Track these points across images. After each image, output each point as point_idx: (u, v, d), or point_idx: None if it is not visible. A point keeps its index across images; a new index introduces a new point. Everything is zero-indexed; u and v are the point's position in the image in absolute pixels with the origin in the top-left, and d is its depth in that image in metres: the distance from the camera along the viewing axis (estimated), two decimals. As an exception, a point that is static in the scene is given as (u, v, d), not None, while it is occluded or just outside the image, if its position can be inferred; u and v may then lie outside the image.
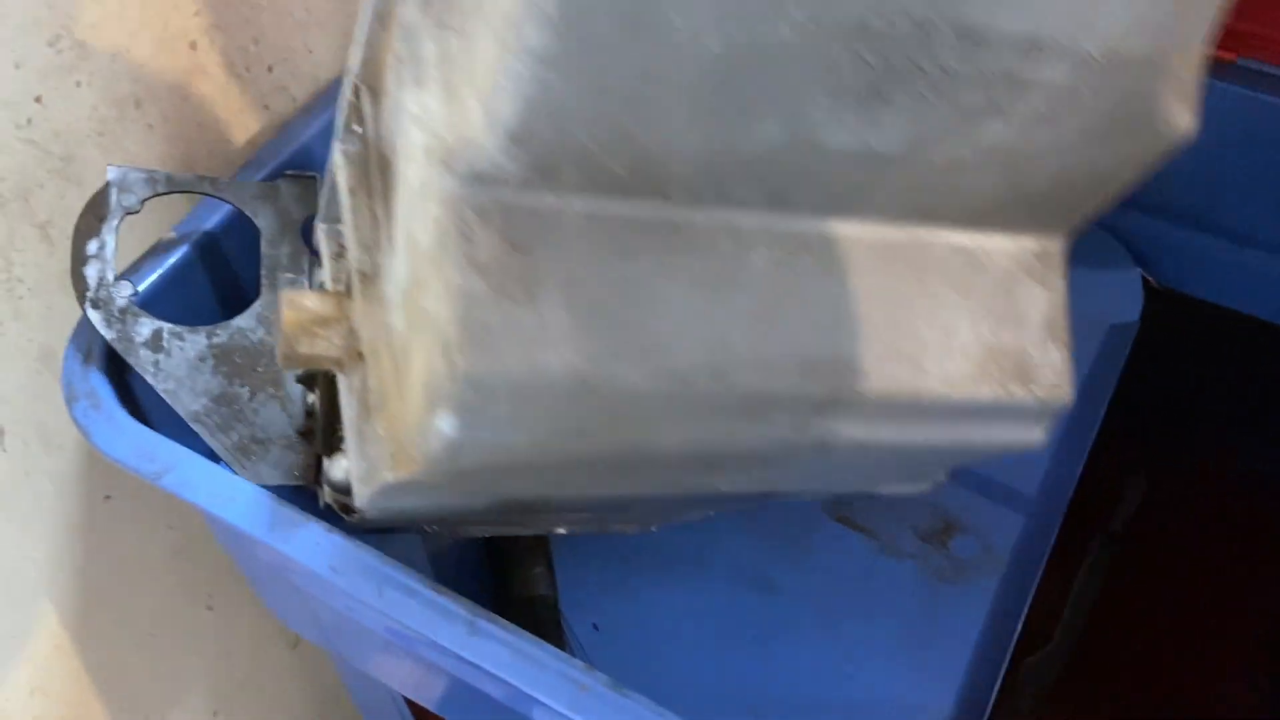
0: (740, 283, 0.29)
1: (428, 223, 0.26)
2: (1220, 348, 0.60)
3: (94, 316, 0.43)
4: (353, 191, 0.33)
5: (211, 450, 0.43)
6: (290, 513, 0.39)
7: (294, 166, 0.51)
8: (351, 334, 0.34)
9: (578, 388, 0.27)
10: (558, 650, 0.35)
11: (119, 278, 0.45)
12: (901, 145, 0.28)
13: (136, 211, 0.45)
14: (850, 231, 0.31)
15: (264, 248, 0.48)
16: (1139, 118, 0.29)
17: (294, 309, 0.33)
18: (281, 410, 0.46)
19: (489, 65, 0.24)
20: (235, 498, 0.39)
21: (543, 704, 0.34)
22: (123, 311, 0.44)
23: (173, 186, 0.46)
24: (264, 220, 0.49)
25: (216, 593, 0.64)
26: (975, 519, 0.61)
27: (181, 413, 0.43)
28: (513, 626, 0.35)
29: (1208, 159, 0.57)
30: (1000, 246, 0.33)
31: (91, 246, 0.44)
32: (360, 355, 0.34)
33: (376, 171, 0.32)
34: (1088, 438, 0.59)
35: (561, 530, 0.52)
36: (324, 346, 0.34)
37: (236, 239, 0.50)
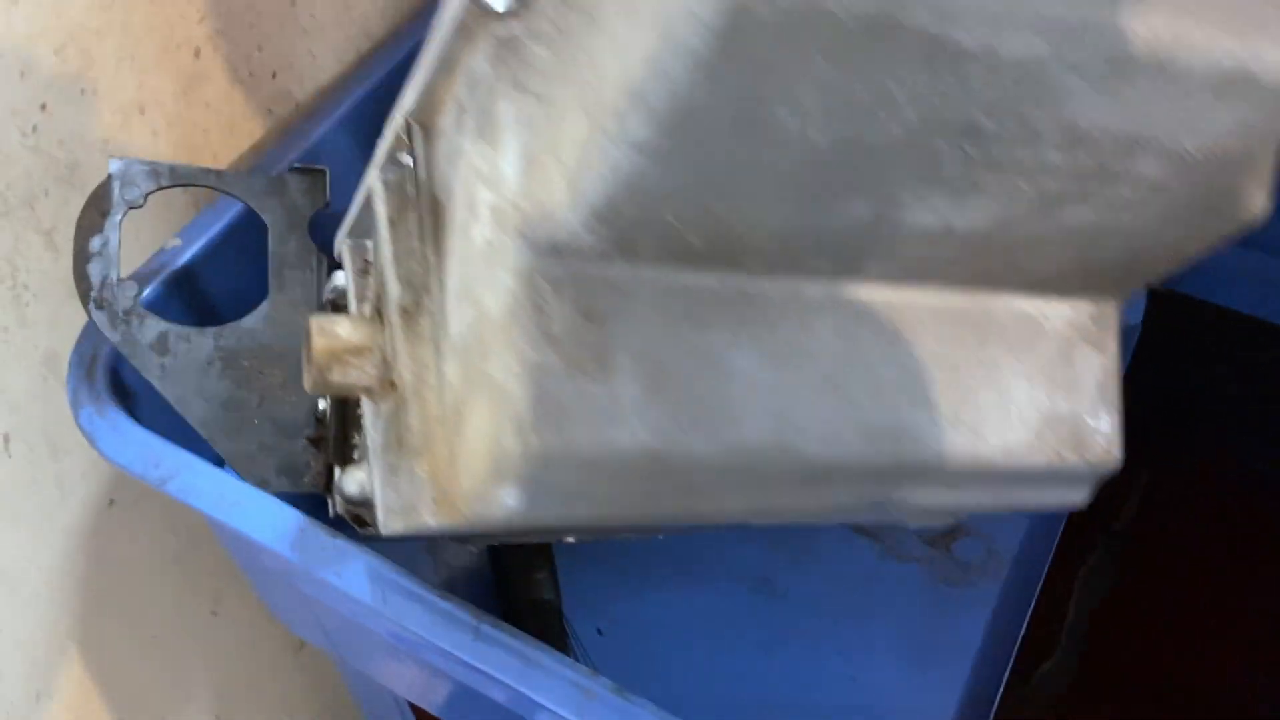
0: (808, 351, 0.29)
1: (498, 291, 0.26)
2: (1221, 348, 0.60)
3: (98, 318, 0.42)
4: (393, 223, 0.31)
5: (218, 455, 0.43)
6: (295, 518, 0.39)
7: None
8: (385, 364, 0.33)
9: (647, 462, 0.27)
10: (562, 655, 0.35)
11: (124, 278, 0.43)
12: (984, 226, 0.28)
13: (140, 206, 0.44)
14: (917, 298, 0.31)
15: (271, 244, 0.47)
16: (1220, 204, 0.30)
17: (325, 336, 0.33)
18: (291, 416, 0.45)
19: (579, 144, 0.23)
20: (240, 504, 0.39)
21: (547, 709, 0.34)
22: (128, 313, 0.43)
23: (177, 179, 0.45)
24: (271, 215, 0.47)
25: (220, 597, 0.64)
26: (978, 522, 0.61)
27: (188, 418, 0.43)
28: (517, 631, 0.36)
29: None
30: (1059, 311, 0.33)
31: (94, 243, 0.42)
32: (392, 384, 0.33)
33: (427, 212, 0.31)
34: (1090, 440, 0.59)
35: (570, 539, 0.53)
36: (356, 375, 0.33)
37: (243, 236, 0.49)
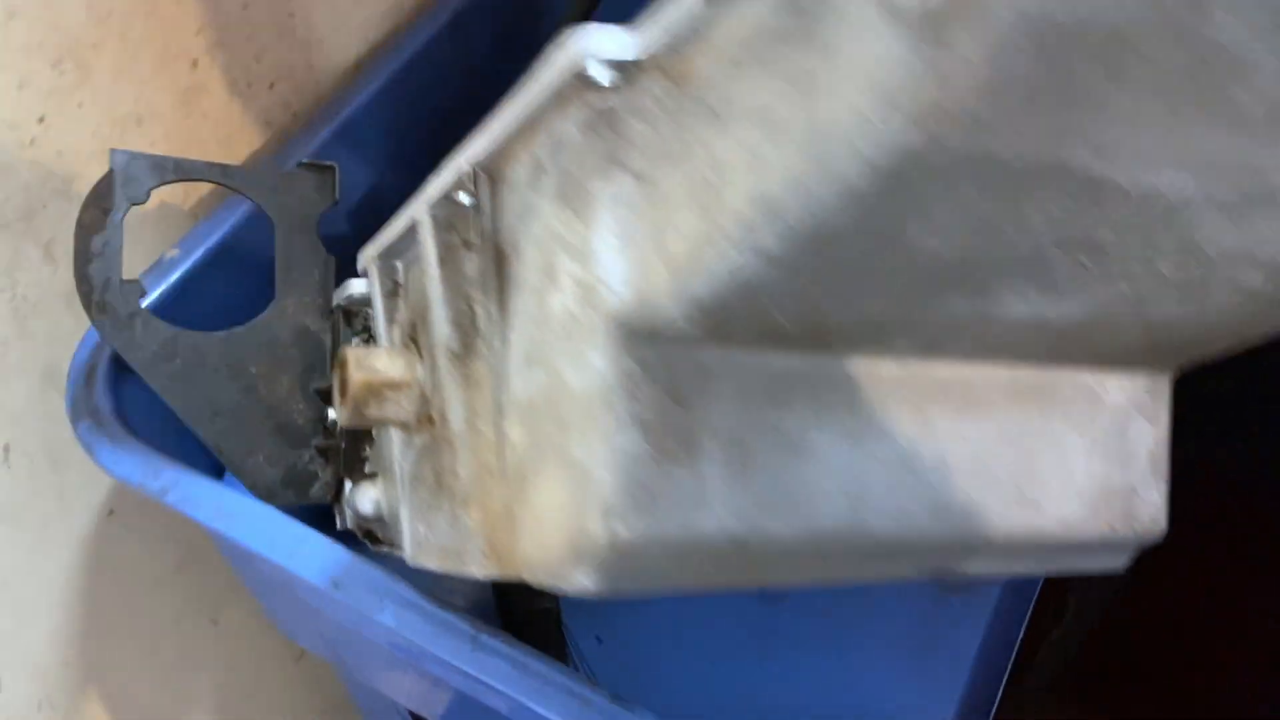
0: (884, 430, 0.29)
1: (584, 370, 0.25)
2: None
3: (99, 322, 0.41)
4: (443, 261, 0.31)
5: (219, 465, 0.43)
6: (294, 528, 0.39)
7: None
8: (423, 398, 0.33)
9: (727, 546, 0.27)
10: (560, 664, 0.35)
11: (128, 280, 0.41)
12: (1076, 318, 0.28)
13: (143, 202, 0.42)
14: (990, 374, 0.31)
15: (278, 244, 0.45)
16: None
17: (363, 370, 0.32)
18: (298, 424, 0.43)
19: (691, 240, 0.23)
20: (238, 514, 0.39)
21: (545, 718, 0.34)
22: (131, 316, 0.41)
23: (182, 174, 0.43)
24: (278, 213, 0.45)
25: (221, 606, 0.64)
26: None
27: (193, 428, 0.42)
28: (515, 641, 0.36)
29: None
30: (1118, 384, 0.34)
31: (96, 243, 0.40)
32: (430, 420, 0.33)
33: (490, 263, 0.29)
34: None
35: None
36: (393, 410, 0.32)
37: (243, 245, 0.49)
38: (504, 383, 0.29)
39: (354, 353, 0.32)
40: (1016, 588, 0.59)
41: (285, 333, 0.44)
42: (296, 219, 0.45)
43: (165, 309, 0.46)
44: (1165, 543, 0.37)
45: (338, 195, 0.46)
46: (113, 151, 0.41)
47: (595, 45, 0.24)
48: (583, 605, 0.57)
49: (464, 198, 0.29)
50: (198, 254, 0.49)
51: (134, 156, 0.41)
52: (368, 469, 0.42)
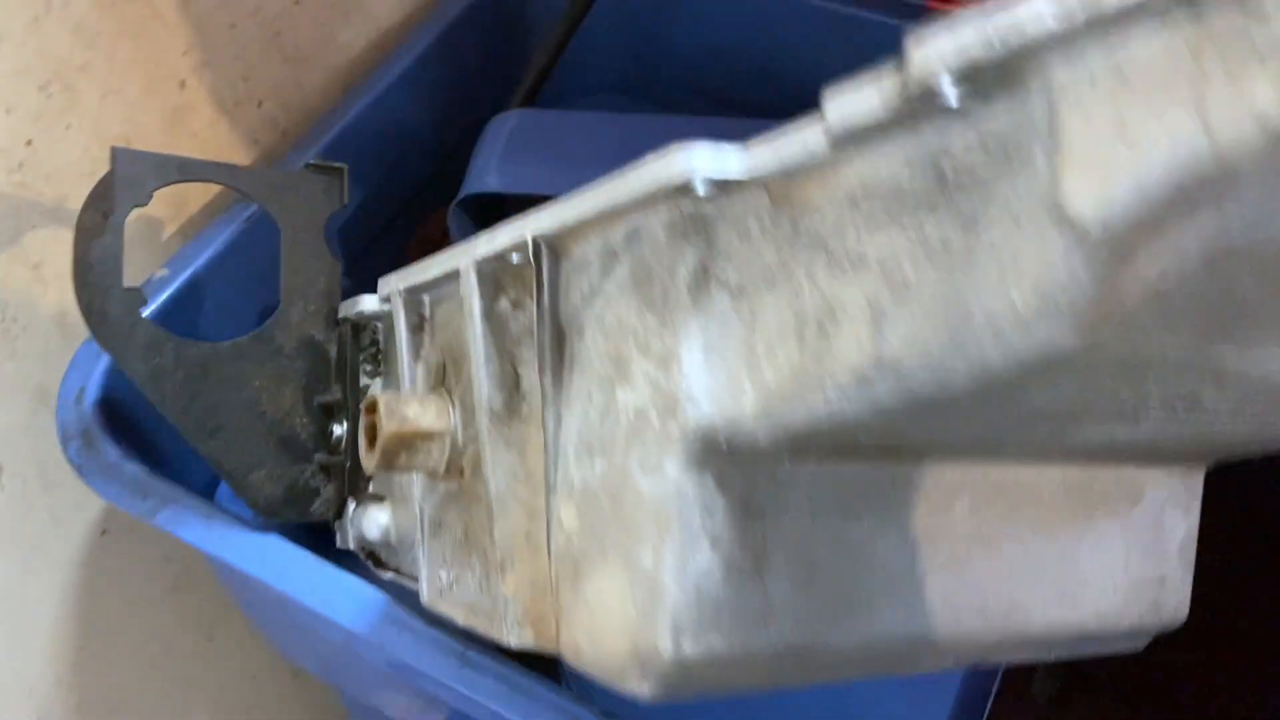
0: (941, 533, 0.29)
1: (659, 478, 0.25)
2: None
3: (99, 332, 0.39)
4: (486, 316, 0.30)
5: (213, 478, 0.43)
6: (284, 548, 0.39)
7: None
8: (454, 448, 0.32)
9: (787, 655, 0.26)
10: (550, 681, 0.35)
11: (129, 287, 0.39)
12: (1147, 439, 0.28)
13: (145, 204, 0.39)
14: (1044, 475, 0.31)
15: (284, 250, 0.42)
16: None
17: (395, 420, 0.31)
18: (300, 439, 0.42)
19: (793, 374, 0.22)
20: (227, 535, 0.39)
21: (537, 734, 0.34)
22: (132, 326, 0.39)
23: (185, 174, 0.40)
24: (284, 217, 0.42)
25: (217, 623, 0.64)
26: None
27: (193, 444, 0.40)
28: (504, 659, 0.36)
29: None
30: (1157, 478, 0.34)
31: (96, 249, 0.38)
32: (460, 471, 0.32)
33: (547, 337, 0.28)
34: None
35: None
36: (423, 460, 0.32)
37: (238, 260, 0.49)
38: (555, 460, 0.28)
39: (385, 399, 0.31)
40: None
41: (290, 343, 0.42)
42: (303, 223, 0.43)
43: (167, 318, 0.45)
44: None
45: (347, 198, 0.44)
46: (114, 150, 0.39)
47: (700, 165, 0.23)
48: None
49: (517, 258, 0.28)
50: (200, 260, 0.48)
51: (136, 155, 0.39)
52: (373, 489, 0.42)
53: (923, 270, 0.20)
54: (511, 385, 0.30)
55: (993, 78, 0.18)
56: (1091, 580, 0.32)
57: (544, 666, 0.52)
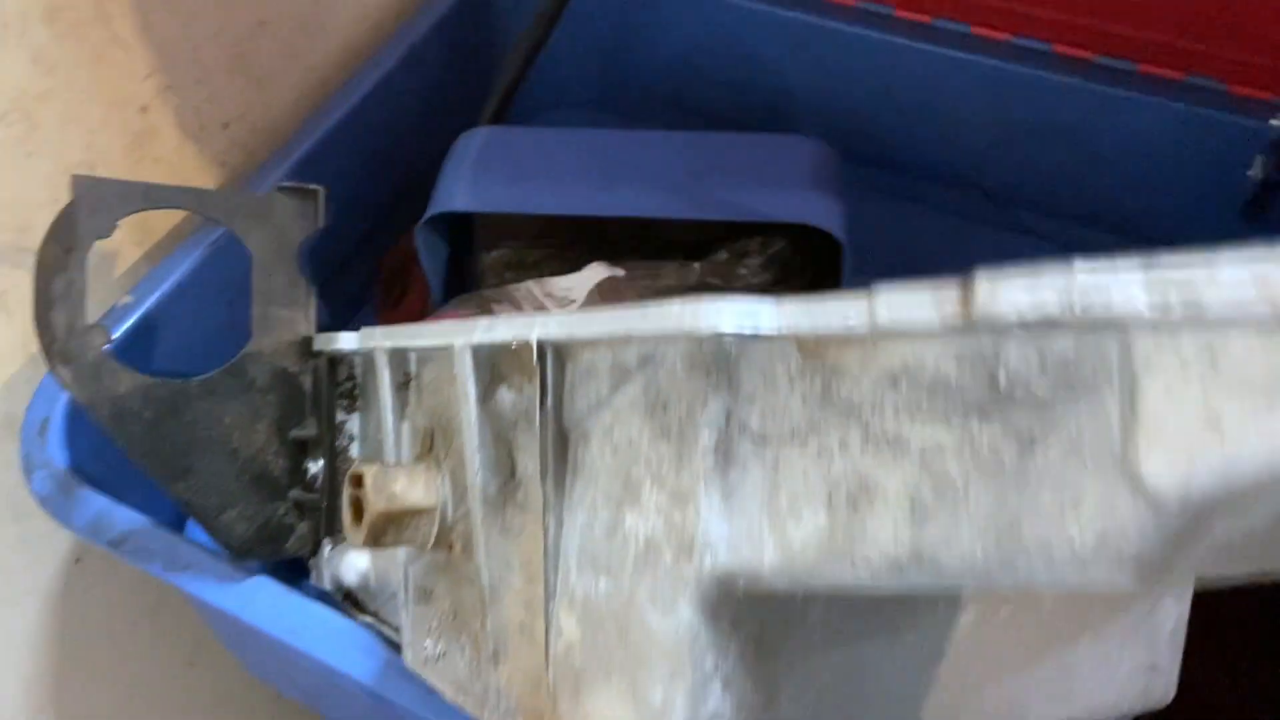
0: (945, 649, 0.28)
1: (671, 615, 0.24)
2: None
3: (63, 374, 0.37)
4: (482, 401, 0.29)
5: (178, 512, 0.43)
6: (252, 580, 0.38)
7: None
8: (445, 524, 0.31)
9: None
10: None
11: (92, 324, 0.37)
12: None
13: (108, 235, 0.38)
14: None
15: (255, 277, 0.41)
16: None
17: (383, 497, 0.30)
18: (274, 475, 0.41)
19: (820, 543, 0.21)
20: (193, 566, 0.39)
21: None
22: (96, 366, 0.37)
23: (151, 202, 0.39)
24: (256, 241, 0.41)
25: (198, 647, 0.63)
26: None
27: (161, 486, 0.39)
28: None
29: (1155, 174, 0.58)
30: None
31: (57, 285, 0.36)
32: (449, 546, 0.31)
33: (552, 441, 0.27)
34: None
35: None
36: (411, 536, 0.31)
37: (206, 285, 0.48)
38: (555, 563, 0.27)
39: (371, 473, 0.30)
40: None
41: (262, 376, 0.41)
42: (275, 248, 0.41)
43: (131, 348, 0.44)
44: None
45: (323, 220, 0.43)
46: (75, 178, 0.37)
47: (728, 322, 0.22)
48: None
49: (517, 344, 0.27)
50: (165, 287, 0.48)
51: (98, 184, 0.38)
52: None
53: (971, 476, 0.19)
54: (507, 472, 0.29)
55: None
56: (1087, 676, 0.32)
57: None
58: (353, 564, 0.39)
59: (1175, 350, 0.16)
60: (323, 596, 0.39)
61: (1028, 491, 0.18)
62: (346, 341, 0.39)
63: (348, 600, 0.41)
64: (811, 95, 0.63)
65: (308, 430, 0.41)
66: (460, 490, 0.30)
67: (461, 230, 0.56)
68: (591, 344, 0.26)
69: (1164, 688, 0.34)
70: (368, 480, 0.30)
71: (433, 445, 0.32)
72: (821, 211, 0.49)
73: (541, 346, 0.27)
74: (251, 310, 0.41)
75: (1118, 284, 0.16)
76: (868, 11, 0.61)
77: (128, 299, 0.48)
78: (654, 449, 0.24)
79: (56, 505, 0.41)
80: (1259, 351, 0.15)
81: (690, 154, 0.53)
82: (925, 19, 0.60)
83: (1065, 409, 0.18)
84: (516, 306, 0.52)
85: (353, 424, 0.41)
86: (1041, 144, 0.59)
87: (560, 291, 0.52)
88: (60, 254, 0.37)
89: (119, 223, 0.38)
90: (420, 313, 0.57)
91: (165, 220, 0.52)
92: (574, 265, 0.53)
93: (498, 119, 0.59)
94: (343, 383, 0.41)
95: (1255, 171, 0.53)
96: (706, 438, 0.23)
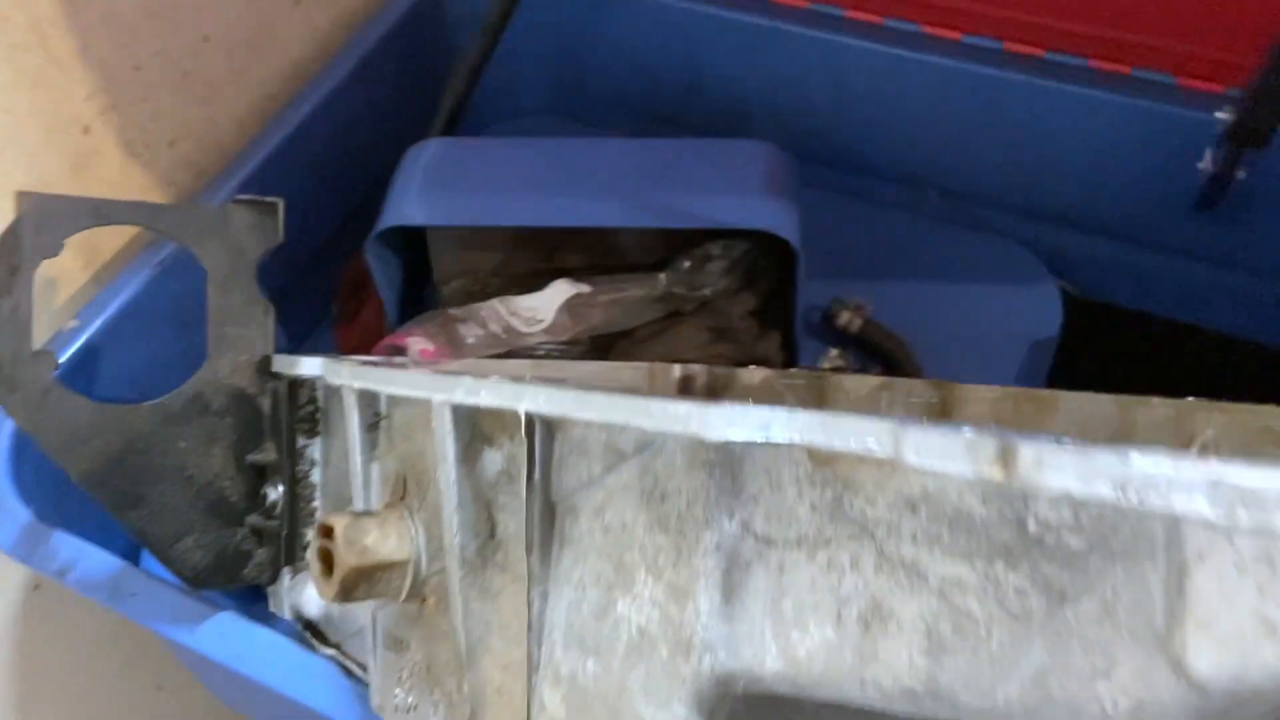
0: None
1: (669, 712, 0.23)
2: (1139, 350, 0.60)
3: (8, 402, 0.36)
4: (462, 462, 0.28)
5: (131, 540, 0.42)
6: (197, 606, 0.38)
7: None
8: (419, 576, 0.30)
9: None
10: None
11: (39, 349, 0.36)
12: None
13: (55, 255, 0.36)
14: None
15: (210, 294, 0.39)
16: None
17: (354, 553, 0.29)
18: (230, 500, 0.40)
19: (828, 661, 0.21)
20: (139, 594, 0.38)
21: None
22: (44, 393, 0.36)
23: (100, 218, 0.37)
24: (211, 257, 0.39)
25: (165, 671, 0.63)
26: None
27: (114, 516, 0.37)
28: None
29: (1108, 168, 0.58)
30: None
31: (2, 309, 0.35)
32: (422, 599, 0.30)
33: (539, 514, 0.26)
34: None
35: None
36: (384, 589, 0.30)
37: (157, 306, 0.47)
38: (539, 636, 0.27)
39: (341, 525, 0.29)
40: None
41: (218, 399, 0.39)
42: (232, 264, 0.39)
43: (79, 374, 0.43)
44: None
45: (282, 235, 0.41)
46: (20, 194, 0.36)
47: (739, 433, 0.20)
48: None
49: (493, 401, 0.26)
50: (113, 308, 0.47)
51: (45, 199, 0.36)
52: (310, 554, 0.40)
53: (995, 618, 0.18)
54: (486, 532, 0.28)
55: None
56: None
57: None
58: (314, 596, 0.38)
59: (1232, 550, 0.15)
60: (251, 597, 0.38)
61: (1057, 646, 0.17)
62: (309, 368, 0.37)
63: (308, 629, 0.40)
64: (766, 97, 0.63)
65: (267, 455, 0.40)
66: (436, 544, 0.30)
67: (417, 243, 0.56)
68: (587, 422, 0.25)
69: None
70: (338, 532, 0.29)
71: (405, 493, 0.31)
72: (775, 216, 0.49)
73: (531, 420, 0.25)
74: (206, 330, 0.40)
75: (1180, 486, 0.15)
76: (818, 13, 0.61)
77: (74, 323, 0.47)
78: (650, 538, 0.24)
79: (3, 536, 0.41)
80: None
81: (644, 161, 0.53)
82: (876, 19, 0.60)
83: (1100, 568, 0.17)
84: (482, 326, 0.52)
85: (314, 449, 0.40)
86: (994, 141, 0.59)
87: (526, 311, 0.52)
88: (4, 275, 0.36)
89: (66, 241, 0.37)
90: (378, 328, 0.56)
91: (113, 240, 0.52)
92: (536, 287, 0.52)
93: (448, 130, 0.58)
94: (303, 406, 0.40)
95: (1206, 164, 0.53)
96: (709, 538, 0.22)
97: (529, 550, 0.26)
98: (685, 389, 0.47)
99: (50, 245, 0.36)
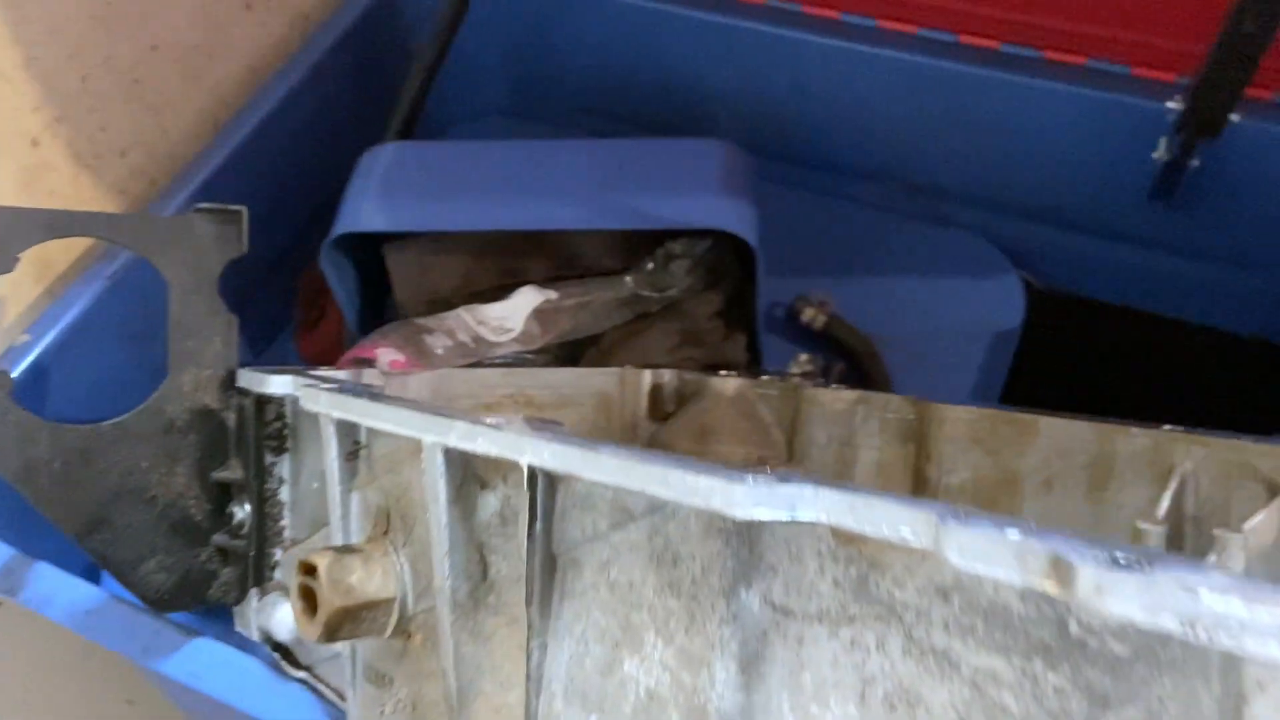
0: None
1: None
2: (1100, 338, 0.61)
3: None
4: (454, 503, 0.27)
5: (91, 561, 0.41)
6: (152, 624, 0.37)
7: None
8: (405, 613, 0.29)
9: None
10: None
11: None
12: None
13: (9, 271, 0.35)
14: None
15: (172, 306, 0.38)
16: None
17: (339, 593, 0.28)
18: (198, 522, 0.38)
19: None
20: (96, 614, 0.37)
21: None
22: (1, 413, 0.34)
23: (55, 231, 0.36)
24: (172, 268, 0.38)
25: (136, 686, 0.62)
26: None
27: (73, 540, 0.36)
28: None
29: (1065, 159, 0.58)
30: None
31: None
32: (408, 635, 0.30)
33: (540, 567, 0.26)
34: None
35: None
36: (369, 628, 0.29)
37: (113, 317, 0.46)
38: (537, 687, 0.26)
39: (324, 564, 0.28)
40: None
41: (181, 416, 0.38)
42: (193, 275, 0.38)
43: (32, 390, 0.43)
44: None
45: (246, 245, 0.40)
46: None
47: (764, 513, 0.19)
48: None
49: (494, 444, 0.25)
50: (66, 321, 0.46)
51: None
52: (280, 577, 0.39)
53: (1032, 717, 0.17)
54: (478, 575, 0.27)
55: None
56: None
57: None
58: (284, 620, 0.37)
59: None
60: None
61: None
62: (280, 386, 0.36)
63: (278, 651, 0.39)
64: (726, 94, 0.63)
65: (232, 473, 0.39)
66: (422, 581, 0.29)
67: (369, 250, 0.55)
68: (583, 486, 0.24)
69: None
70: (321, 571, 0.28)
71: (389, 527, 0.31)
72: (732, 215, 0.49)
73: (534, 473, 0.25)
74: (168, 344, 0.38)
75: (1253, 629, 0.14)
76: (776, 9, 0.61)
77: (25, 337, 0.46)
78: (660, 600, 0.23)
79: (-48, 556, 0.40)
80: None
81: (601, 162, 0.52)
82: (833, 14, 0.60)
83: (1146, 677, 0.16)
84: (451, 336, 0.51)
85: (282, 466, 0.39)
86: (953, 134, 0.59)
87: (495, 320, 0.51)
88: None
89: (21, 256, 0.36)
90: (338, 335, 0.56)
91: (67, 253, 0.51)
92: (499, 296, 0.52)
93: (405, 134, 0.58)
94: (271, 423, 0.39)
95: (1160, 153, 0.54)
96: (724, 608, 0.22)
97: (529, 601, 0.26)
98: (655, 397, 0.46)
99: (3, 261, 0.35)
